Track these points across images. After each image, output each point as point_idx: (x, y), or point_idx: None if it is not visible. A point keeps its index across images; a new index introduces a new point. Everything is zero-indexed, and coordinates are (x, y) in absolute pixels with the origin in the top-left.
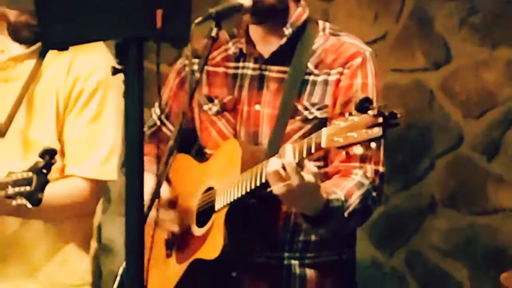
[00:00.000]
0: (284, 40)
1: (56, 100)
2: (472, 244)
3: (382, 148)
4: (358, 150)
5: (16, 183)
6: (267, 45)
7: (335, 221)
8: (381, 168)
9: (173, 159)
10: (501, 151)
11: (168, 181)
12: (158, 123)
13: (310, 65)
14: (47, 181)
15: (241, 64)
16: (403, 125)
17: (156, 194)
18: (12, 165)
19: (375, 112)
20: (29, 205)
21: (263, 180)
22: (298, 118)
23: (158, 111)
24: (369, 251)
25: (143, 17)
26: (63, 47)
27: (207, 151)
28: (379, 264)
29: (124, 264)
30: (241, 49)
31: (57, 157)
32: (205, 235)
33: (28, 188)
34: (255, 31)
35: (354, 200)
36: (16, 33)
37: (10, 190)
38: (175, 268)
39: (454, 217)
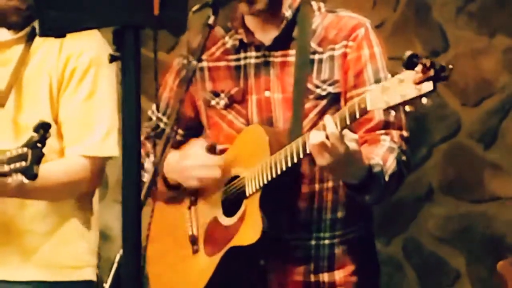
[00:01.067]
0: (284, 23)
1: (49, 81)
2: (469, 232)
3: (402, 112)
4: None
5: (11, 160)
6: (266, 32)
7: (377, 186)
8: (405, 133)
9: (169, 147)
10: (498, 139)
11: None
12: (162, 125)
13: (313, 44)
14: (42, 155)
15: (242, 55)
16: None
17: (152, 182)
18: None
19: (427, 64)
20: (25, 180)
21: (302, 155)
22: (311, 97)
23: (159, 114)
24: None
25: (140, 4)
26: (60, 34)
27: (218, 146)
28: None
29: (121, 251)
30: (241, 40)
31: (54, 138)
32: (238, 223)
33: (23, 163)
34: (252, 21)
35: (390, 164)
36: (5, 19)
37: (5, 168)
38: (206, 261)
39: (451, 205)
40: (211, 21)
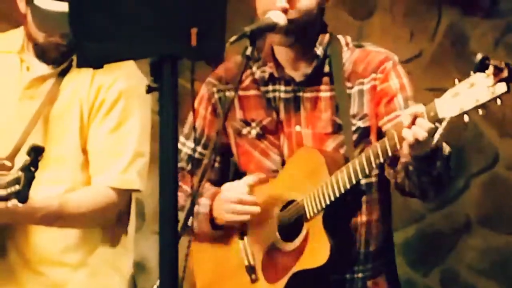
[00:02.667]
0: (316, 61)
1: (80, 111)
2: (508, 264)
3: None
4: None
5: (7, 184)
6: (297, 67)
7: (440, 159)
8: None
9: (207, 177)
10: None
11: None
12: (197, 155)
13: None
14: (33, 178)
15: (270, 88)
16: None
17: (190, 212)
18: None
19: (500, 65)
20: (19, 204)
21: (382, 159)
22: (342, 132)
23: (190, 144)
24: (404, 270)
25: (178, 35)
26: (97, 65)
27: (249, 174)
28: (414, 284)
29: (158, 282)
30: (271, 74)
31: (78, 170)
32: (301, 247)
33: (17, 187)
34: (283, 54)
35: (446, 145)
36: (44, 54)
37: (3, 192)
38: None
39: (489, 237)
40: (249, 52)
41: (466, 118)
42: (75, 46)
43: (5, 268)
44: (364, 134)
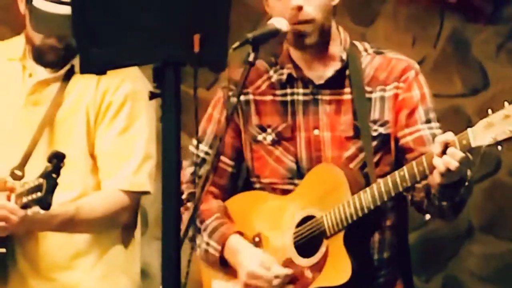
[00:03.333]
0: (339, 65)
1: (87, 115)
2: (510, 270)
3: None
4: None
5: (29, 192)
6: (314, 69)
7: (464, 186)
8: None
9: (209, 183)
10: None
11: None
12: (209, 158)
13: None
14: (56, 184)
15: (289, 91)
16: None
17: (192, 219)
18: None
19: None
20: (41, 211)
21: (416, 180)
22: (361, 136)
23: (204, 147)
24: None
25: (181, 41)
26: (101, 71)
27: (262, 180)
28: None
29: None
30: (289, 75)
31: (89, 174)
32: (320, 263)
33: (39, 194)
34: (299, 56)
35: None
36: (41, 57)
37: (24, 199)
38: None
39: (491, 243)
40: (251, 58)
41: (499, 148)
42: (78, 52)
43: (15, 276)
44: (384, 141)
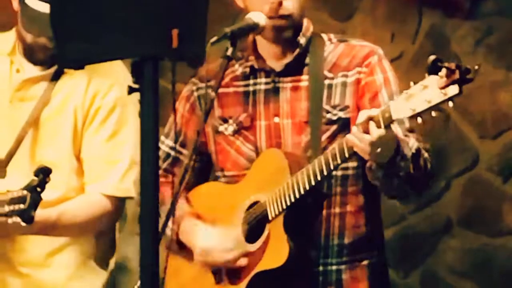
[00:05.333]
0: (297, 50)
1: (74, 117)
2: (488, 265)
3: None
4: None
5: (11, 201)
6: (278, 59)
7: (403, 159)
8: (427, 145)
9: (187, 177)
10: None
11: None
12: (173, 153)
13: (324, 71)
14: (40, 199)
15: (251, 81)
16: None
17: (171, 212)
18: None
19: (452, 67)
20: (22, 223)
21: (339, 161)
22: (322, 121)
23: (169, 142)
24: None
25: (159, 36)
26: (78, 66)
27: (226, 173)
28: (394, 285)
29: (138, 283)
30: (251, 66)
31: (73, 176)
32: (262, 247)
33: (22, 206)
34: (267, 48)
35: (414, 142)
36: (32, 55)
37: (6, 208)
38: None
39: (469, 238)
40: (229, 52)
41: (419, 120)
42: (55, 46)
43: None
44: (344, 125)
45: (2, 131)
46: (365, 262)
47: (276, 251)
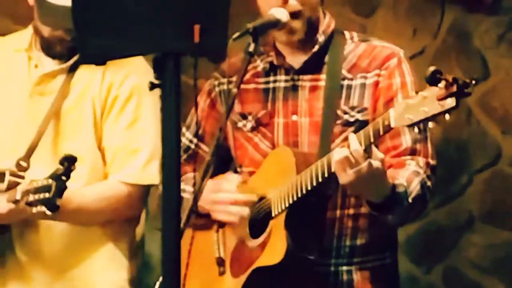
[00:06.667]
0: (316, 48)
1: (93, 108)
2: (510, 260)
3: (429, 141)
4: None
5: (36, 190)
6: (297, 56)
7: (400, 207)
8: (431, 161)
9: (210, 173)
10: None
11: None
12: (193, 146)
13: (343, 71)
14: (65, 187)
15: (271, 78)
16: (440, 141)
17: (192, 209)
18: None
19: (450, 81)
20: (47, 212)
21: (327, 174)
22: (339, 122)
23: (189, 135)
24: (406, 267)
25: (181, 31)
26: (100, 62)
27: (244, 169)
28: (416, 280)
29: (160, 278)
30: (271, 63)
31: (97, 165)
32: (263, 243)
33: (47, 194)
34: (284, 45)
35: (414, 187)
36: (50, 48)
37: (31, 197)
38: (232, 283)
39: (492, 233)
40: (251, 48)
41: (415, 129)
42: (77, 42)
43: (13, 264)
44: (362, 127)
45: (24, 126)
46: (376, 264)
47: (275, 248)
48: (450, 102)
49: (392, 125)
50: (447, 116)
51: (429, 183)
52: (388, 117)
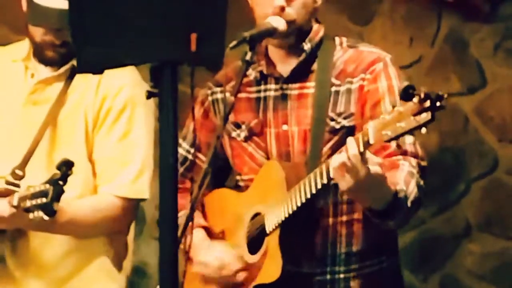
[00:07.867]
0: (303, 56)
1: (85, 119)
2: (508, 269)
3: (416, 142)
4: (408, 139)
5: (33, 196)
6: (287, 64)
7: (401, 212)
8: (422, 162)
9: (207, 182)
10: None
11: (207, 217)
12: (190, 157)
13: (332, 78)
14: (63, 192)
15: (262, 87)
16: (437, 149)
17: (190, 217)
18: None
19: (422, 96)
20: (45, 217)
21: (325, 181)
22: (326, 129)
23: (186, 145)
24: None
25: (178, 40)
26: (97, 71)
27: (243, 177)
28: None
29: (158, 287)
30: (261, 72)
31: (90, 176)
32: (261, 260)
33: (44, 199)
34: (276, 52)
35: (412, 189)
36: (42, 55)
37: (28, 203)
38: None
39: (489, 242)
40: (248, 57)
41: (393, 144)
42: (75, 51)
43: (3, 273)
44: (348, 133)
45: (19, 135)
46: (374, 269)
47: (271, 265)
48: (425, 116)
49: (371, 141)
50: (423, 130)
51: (422, 182)
52: (367, 133)
